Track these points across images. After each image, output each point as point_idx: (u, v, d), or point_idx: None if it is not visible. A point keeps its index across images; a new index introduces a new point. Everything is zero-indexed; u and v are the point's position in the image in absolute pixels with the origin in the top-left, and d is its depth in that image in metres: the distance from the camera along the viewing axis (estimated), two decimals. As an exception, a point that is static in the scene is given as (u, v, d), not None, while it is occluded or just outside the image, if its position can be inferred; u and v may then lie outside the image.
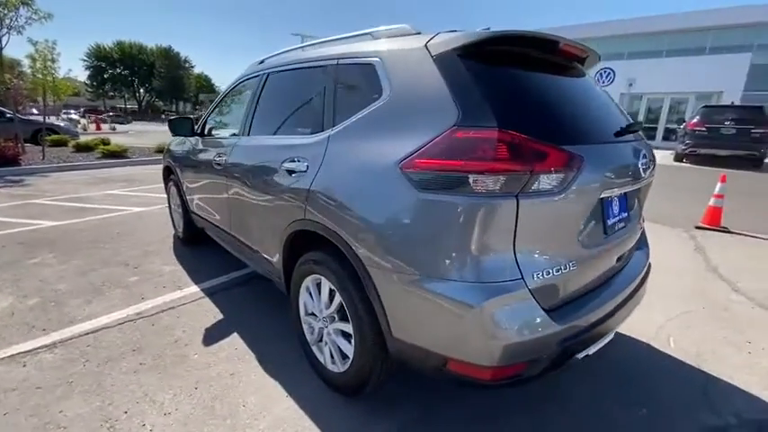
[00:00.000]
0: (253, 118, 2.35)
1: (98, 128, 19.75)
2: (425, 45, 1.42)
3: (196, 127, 3.06)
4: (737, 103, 14.23)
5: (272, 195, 1.97)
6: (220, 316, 2.47)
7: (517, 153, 1.14)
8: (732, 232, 4.50)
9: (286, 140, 1.98)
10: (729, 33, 18.19)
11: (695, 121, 10.93)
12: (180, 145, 3.42)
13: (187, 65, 66.90)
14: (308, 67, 2.02)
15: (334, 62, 1.81)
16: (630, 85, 17.71)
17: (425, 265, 1.26)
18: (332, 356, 1.78)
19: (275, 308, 2.58)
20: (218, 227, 2.83)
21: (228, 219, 2.55)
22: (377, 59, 1.57)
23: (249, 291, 2.84)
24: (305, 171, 1.72)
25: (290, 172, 1.82)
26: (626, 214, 1.64)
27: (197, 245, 3.68)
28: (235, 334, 2.26)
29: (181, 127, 2.99)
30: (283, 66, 2.23)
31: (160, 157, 9.80)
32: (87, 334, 2.22)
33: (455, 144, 1.20)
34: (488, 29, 1.45)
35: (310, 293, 1.86)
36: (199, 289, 2.82)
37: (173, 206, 3.87)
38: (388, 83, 1.48)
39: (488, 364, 1.20)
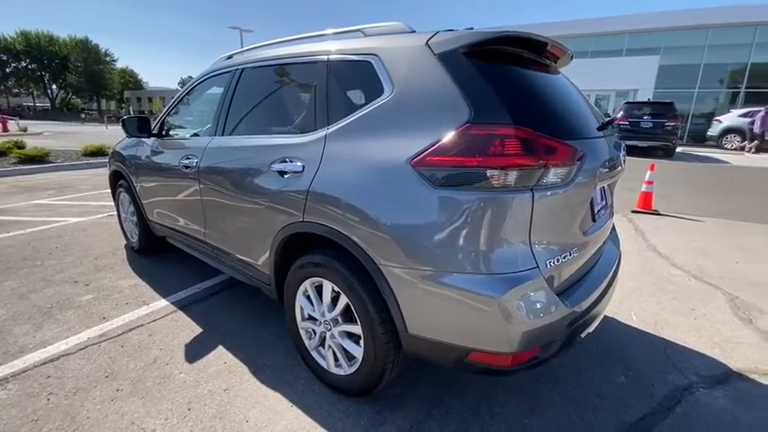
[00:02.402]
0: (227, 117, 2.21)
1: (4, 129, 17.22)
2: (427, 44, 1.43)
3: (153, 127, 2.81)
4: (651, 99, 16.02)
5: (260, 199, 1.87)
6: (199, 329, 2.30)
7: (531, 148, 1.20)
8: (662, 214, 5.09)
9: (273, 140, 1.88)
10: (641, 37, 20.37)
11: (620, 116, 12.14)
12: (132, 147, 3.12)
13: (108, 58, 60.69)
14: (292, 63, 1.94)
15: (324, 58, 1.75)
16: (562, 82, 19.14)
17: (443, 260, 1.28)
18: (335, 360, 1.75)
19: (257, 315, 2.47)
20: (186, 234, 2.63)
21: (202, 225, 2.38)
22: (374, 57, 1.56)
23: (225, 300, 2.68)
24: (300, 172, 1.66)
25: (282, 173, 1.74)
26: (605, 202, 1.79)
27: (155, 255, 3.39)
28: (220, 347, 2.13)
29: (136, 127, 2.72)
30: (260, 61, 2.12)
31: (91, 161, 8.89)
32: (44, 364, 1.96)
33: (470, 141, 1.23)
34: (471, 28, 1.50)
35: (308, 298, 1.81)
36: (168, 303, 2.60)
37: (123, 215, 3.52)
38: (390, 81, 1.48)
39: (509, 351, 1.26)
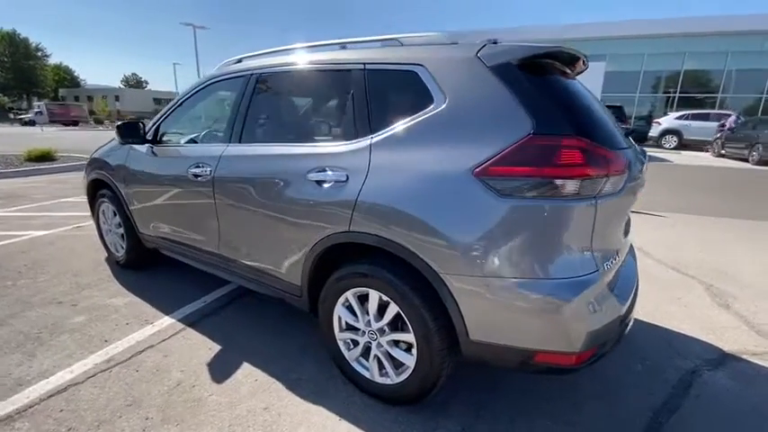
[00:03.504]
0: (244, 123, 2.12)
1: None
2: (477, 56, 1.46)
3: (147, 133, 2.62)
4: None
5: (292, 209, 1.82)
6: (216, 346, 2.19)
7: (595, 159, 1.27)
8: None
9: (306, 149, 1.83)
10: (589, 44, 21.90)
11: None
12: (118, 154, 2.88)
13: (40, 53, 55.33)
14: (322, 70, 1.90)
15: (360, 67, 1.73)
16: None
17: (510, 267, 1.32)
18: (380, 369, 1.74)
19: (274, 327, 2.39)
20: (191, 246, 2.49)
21: (215, 236, 2.26)
22: (420, 67, 1.57)
23: (235, 313, 2.57)
24: (344, 181, 1.63)
25: (320, 183, 1.70)
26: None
27: (143, 269, 3.16)
28: (245, 364, 2.04)
29: (131, 133, 2.53)
30: (281, 67, 2.05)
31: (39, 166, 8.08)
32: (51, 396, 1.78)
33: (536, 151, 1.28)
34: (495, 41, 1.57)
35: (348, 308, 1.78)
36: (174, 320, 2.45)
37: (106, 227, 3.24)
38: (440, 91, 1.49)
39: (574, 351, 1.32)
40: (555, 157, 1.26)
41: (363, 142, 1.64)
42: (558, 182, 1.26)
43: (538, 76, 1.43)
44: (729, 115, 14.73)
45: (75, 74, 71.80)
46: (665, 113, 18.34)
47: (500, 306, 1.36)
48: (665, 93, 21.46)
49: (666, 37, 19.73)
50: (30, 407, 1.71)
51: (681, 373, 2.04)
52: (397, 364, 1.69)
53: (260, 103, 2.12)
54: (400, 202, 1.49)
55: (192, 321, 2.44)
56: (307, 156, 1.80)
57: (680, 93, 20.55)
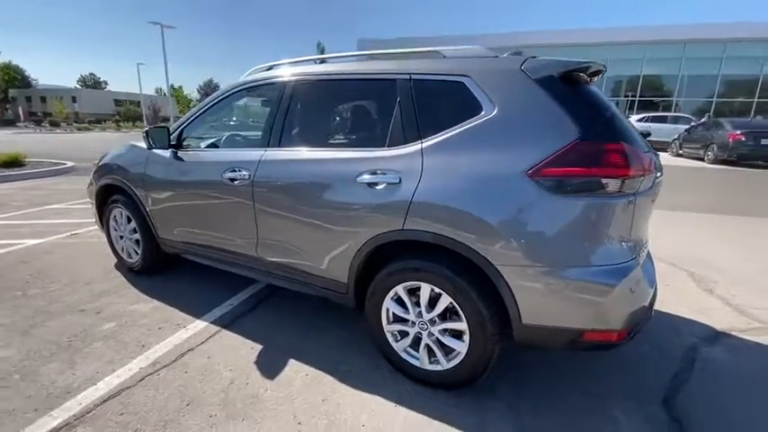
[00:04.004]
0: (283, 129, 2.19)
1: None
2: (521, 69, 1.64)
3: (171, 138, 2.63)
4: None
5: (342, 210, 1.92)
6: (257, 346, 2.24)
7: (633, 160, 1.47)
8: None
9: (354, 153, 1.94)
10: (558, 51, 23.12)
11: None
12: (136, 159, 2.86)
13: (-14, 50, 51.44)
14: (366, 80, 2.01)
15: (405, 77, 1.87)
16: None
17: (562, 256, 1.50)
18: (430, 357, 1.87)
19: (310, 323, 2.47)
20: (223, 250, 2.52)
21: (253, 239, 2.31)
22: (466, 78, 1.72)
23: (267, 313, 2.62)
24: (397, 183, 1.76)
25: (372, 185, 1.82)
26: None
27: (159, 274, 3.14)
28: (291, 360, 2.11)
29: (159, 137, 2.54)
30: (321, 75, 2.14)
31: (8, 172, 7.58)
32: (106, 401, 1.79)
33: (584, 154, 1.46)
34: (520, 52, 1.76)
35: (397, 301, 1.90)
36: (207, 323, 2.47)
37: (117, 233, 3.19)
38: (489, 100, 1.65)
39: (617, 329, 1.52)
40: (601, 160, 1.45)
41: (413, 147, 1.77)
42: (604, 181, 1.45)
43: (574, 87, 1.62)
44: (690, 118, 15.87)
45: (27, 73, 67.28)
46: (628, 116, 19.59)
47: (553, 292, 1.53)
48: (625, 96, 22.89)
49: (627, 44, 21.11)
50: (87, 412, 1.72)
51: (683, 350, 2.29)
52: (448, 351, 1.83)
53: (300, 110, 2.20)
54: (457, 202, 1.63)
55: (225, 323, 2.47)
56: (355, 160, 1.91)
57: (639, 96, 21.97)
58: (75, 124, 42.19)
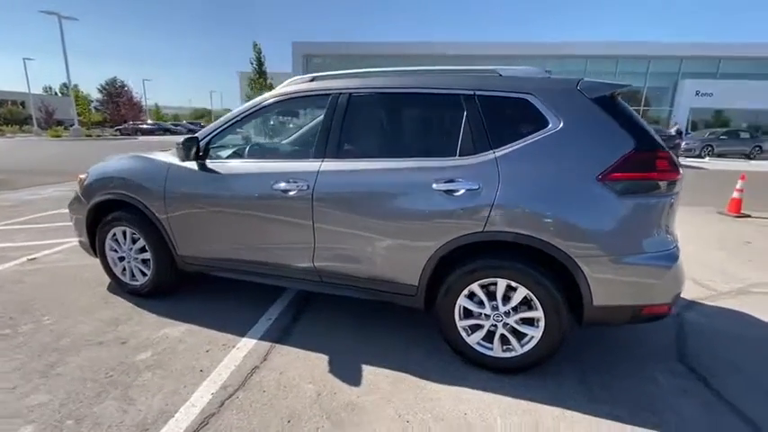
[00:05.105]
0: (339, 140, 2.23)
1: None
2: (578, 89, 1.93)
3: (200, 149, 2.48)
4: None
5: (418, 216, 2.03)
6: (322, 356, 2.24)
7: (676, 165, 1.83)
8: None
9: (427, 163, 2.05)
10: (534, 61, 25.84)
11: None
12: (149, 171, 2.62)
13: None
14: (428, 94, 2.14)
15: (470, 93, 2.05)
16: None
17: (628, 245, 1.81)
18: (503, 345, 2.07)
19: (363, 328, 2.52)
20: (266, 263, 2.45)
21: (309, 250, 2.29)
22: (530, 95, 1.96)
23: (313, 322, 2.61)
24: (476, 189, 1.93)
25: (450, 192, 1.97)
26: None
27: (168, 295, 2.90)
28: (363, 365, 2.16)
29: (190, 148, 2.38)
30: (380, 89, 2.24)
31: None
32: (198, 430, 1.68)
33: (642, 162, 1.79)
34: (549, 72, 2.09)
35: (470, 298, 2.07)
36: (256, 339, 2.38)
37: (115, 254, 2.87)
38: (555, 116, 1.91)
39: (668, 302, 1.87)
40: (655, 166, 1.79)
41: (486, 156, 1.97)
42: (659, 182, 1.79)
43: (617, 104, 1.96)
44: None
45: None
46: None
47: (621, 276, 1.83)
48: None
49: (601, 58, 25.33)
50: (183, 445, 1.61)
51: (671, 318, 2.81)
52: (521, 337, 2.04)
53: (359, 121, 2.26)
54: (538, 204, 1.86)
55: (275, 338, 2.41)
56: (428, 168, 2.04)
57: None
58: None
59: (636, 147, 1.81)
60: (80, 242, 3.07)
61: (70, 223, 3.13)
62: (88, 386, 1.95)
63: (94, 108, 49.15)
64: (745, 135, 19.62)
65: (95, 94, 53.33)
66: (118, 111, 43.82)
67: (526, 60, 24.31)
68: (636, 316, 1.91)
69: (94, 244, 2.93)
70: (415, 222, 2.05)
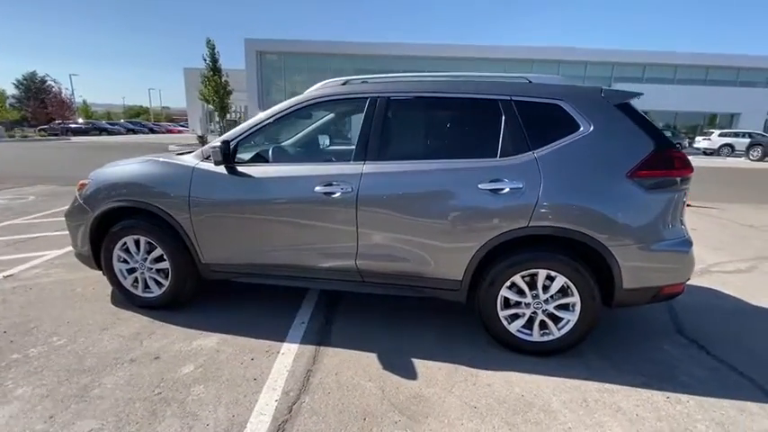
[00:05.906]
0: (380, 142, 2.28)
1: None
2: (602, 96, 2.16)
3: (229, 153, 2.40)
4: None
5: (464, 214, 2.15)
6: (370, 353, 2.28)
7: (689, 164, 2.11)
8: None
9: (470, 163, 2.17)
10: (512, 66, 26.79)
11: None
12: (170, 176, 2.49)
13: None
14: (466, 99, 2.27)
15: (506, 98, 2.20)
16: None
17: (654, 234, 2.06)
18: (541, 330, 2.25)
19: (396, 326, 2.59)
20: (304, 267, 2.44)
21: (352, 252, 2.32)
22: (561, 101, 2.16)
23: (347, 324, 2.63)
24: (521, 188, 2.09)
25: (495, 191, 2.11)
26: None
27: (184, 306, 2.77)
28: (414, 359, 2.24)
29: (223, 153, 2.30)
30: (419, 93, 2.32)
31: None
32: (276, 438, 1.67)
33: (663, 160, 2.04)
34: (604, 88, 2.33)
35: (512, 288, 2.23)
36: (298, 344, 2.37)
37: (124, 266, 2.68)
38: (585, 120, 2.12)
39: (683, 281, 2.16)
40: (673, 163, 2.06)
41: (526, 156, 2.13)
42: (678, 178, 2.06)
43: (636, 110, 2.21)
44: None
45: None
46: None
47: (647, 261, 2.08)
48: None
49: (575, 63, 27.46)
50: (269, 452, 1.59)
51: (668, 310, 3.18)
52: (557, 321, 2.23)
53: (398, 124, 2.32)
54: (577, 200, 2.06)
55: (317, 341, 2.41)
56: (472, 169, 2.16)
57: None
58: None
59: (656, 147, 2.07)
60: (78, 254, 2.82)
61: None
62: (137, 406, 1.84)
63: (10, 105, 43.69)
64: (667, 134, 22.29)
65: (10, 90, 47.52)
66: (43, 108, 39.23)
67: (475, 63, 25.63)
68: (656, 296, 2.17)
69: (97, 255, 2.71)
70: (462, 221, 2.17)
